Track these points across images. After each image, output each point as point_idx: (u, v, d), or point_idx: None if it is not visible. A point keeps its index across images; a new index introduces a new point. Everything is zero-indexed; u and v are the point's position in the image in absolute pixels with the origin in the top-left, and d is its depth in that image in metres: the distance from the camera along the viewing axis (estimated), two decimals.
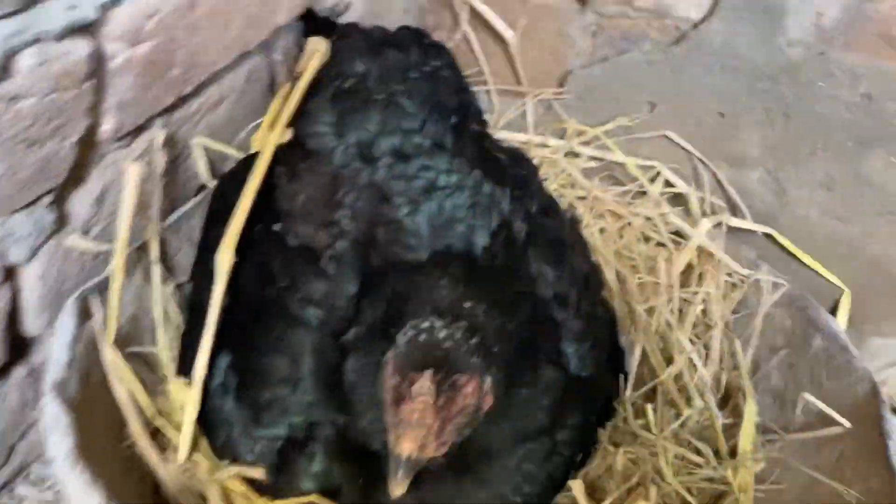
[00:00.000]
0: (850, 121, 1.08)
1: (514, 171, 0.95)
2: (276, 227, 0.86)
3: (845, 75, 1.06)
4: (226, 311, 0.80)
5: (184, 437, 0.79)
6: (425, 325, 0.67)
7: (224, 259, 0.80)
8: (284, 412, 0.78)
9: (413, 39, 0.97)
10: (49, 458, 0.67)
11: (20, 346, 0.90)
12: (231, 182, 0.91)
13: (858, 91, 1.06)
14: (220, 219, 0.85)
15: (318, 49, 0.93)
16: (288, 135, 0.93)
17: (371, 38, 0.97)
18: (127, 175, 0.86)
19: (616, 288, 1.07)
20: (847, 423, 0.85)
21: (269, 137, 0.90)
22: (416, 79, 0.92)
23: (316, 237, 0.84)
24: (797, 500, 0.85)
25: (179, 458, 0.78)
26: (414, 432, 0.64)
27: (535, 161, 1.16)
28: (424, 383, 0.64)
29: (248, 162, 0.90)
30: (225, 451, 0.79)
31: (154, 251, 0.95)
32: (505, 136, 1.20)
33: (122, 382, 0.80)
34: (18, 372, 0.90)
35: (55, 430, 0.69)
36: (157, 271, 0.94)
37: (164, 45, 0.89)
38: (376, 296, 0.78)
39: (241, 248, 0.83)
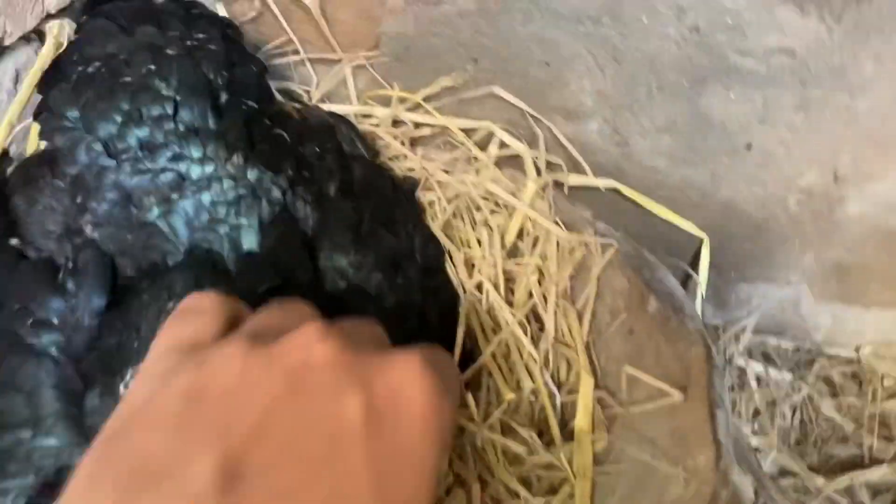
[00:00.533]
0: (682, 57, 1.00)
1: (304, 148, 0.84)
2: (13, 241, 0.74)
3: (670, 10, 0.97)
4: None
5: None
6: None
7: None
8: (29, 458, 0.67)
9: (176, 11, 0.85)
10: None
11: None
12: None
13: (685, 24, 0.98)
14: None
15: (52, 33, 0.81)
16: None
17: (127, 15, 0.84)
18: None
19: (449, 267, 0.98)
20: (677, 394, 0.77)
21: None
22: (173, 56, 0.80)
23: (57, 250, 0.73)
24: (635, 480, 0.78)
25: None
26: None
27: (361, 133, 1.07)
28: None
29: None
30: None
31: None
32: (326, 109, 1.09)
33: None
34: None
35: None
36: None
37: None
38: (116, 314, 0.67)
39: None
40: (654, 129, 1.06)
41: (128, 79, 0.78)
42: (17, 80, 0.98)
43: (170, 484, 0.39)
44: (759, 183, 1.09)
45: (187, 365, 0.46)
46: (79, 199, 0.74)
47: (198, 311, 0.52)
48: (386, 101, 1.12)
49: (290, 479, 0.40)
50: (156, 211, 0.73)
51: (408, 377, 0.44)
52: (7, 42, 0.95)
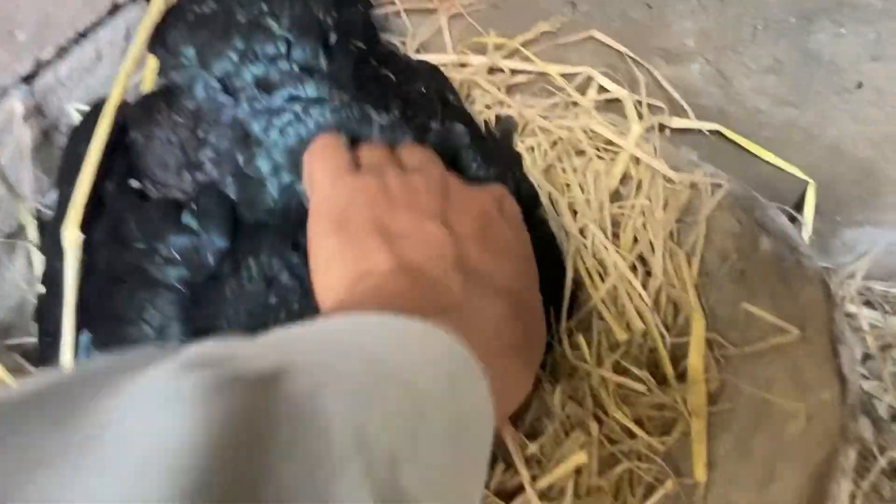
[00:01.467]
0: None
1: (407, 88, 0.85)
2: (133, 182, 0.77)
3: None
4: (81, 284, 0.72)
5: None
6: None
7: (70, 235, 0.71)
8: None
9: None
10: None
11: None
12: (82, 134, 0.81)
13: None
14: (70, 179, 0.76)
15: None
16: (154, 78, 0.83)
17: None
18: None
19: (550, 211, 0.98)
20: (794, 330, 0.76)
21: (118, 78, 0.80)
22: None
23: (176, 184, 0.75)
24: (751, 418, 0.77)
25: None
26: None
27: (457, 82, 1.07)
28: None
29: (100, 109, 0.80)
30: None
31: (31, 234, 0.87)
32: (427, 58, 1.10)
33: None
34: None
35: None
36: (37, 255, 0.87)
37: None
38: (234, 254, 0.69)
39: (95, 209, 0.74)
40: (759, 69, 1.03)
41: (241, 18, 0.80)
42: (127, 37, 1.01)
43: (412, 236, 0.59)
44: (869, 123, 1.05)
45: (364, 176, 0.64)
46: (199, 133, 0.76)
47: (335, 146, 0.67)
48: (482, 50, 1.12)
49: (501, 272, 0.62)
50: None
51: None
52: (119, 1, 0.98)
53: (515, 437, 0.77)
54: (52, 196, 0.89)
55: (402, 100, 0.81)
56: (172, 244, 0.71)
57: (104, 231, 0.74)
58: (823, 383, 0.70)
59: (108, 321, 0.71)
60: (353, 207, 0.60)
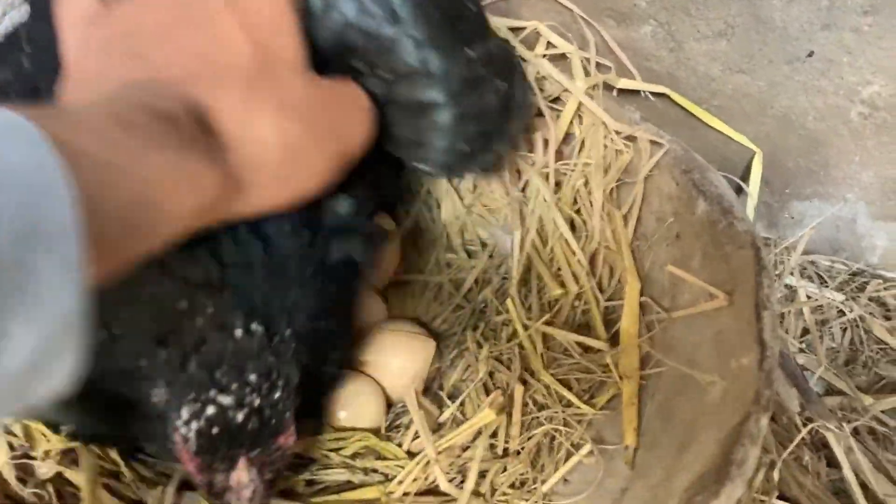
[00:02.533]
0: None
1: None
2: None
3: None
4: None
5: None
6: (210, 410, 0.55)
7: None
8: None
9: None
10: None
11: None
12: None
13: None
14: None
15: None
16: None
17: None
18: None
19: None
20: (721, 295, 0.75)
21: None
22: None
23: None
24: (676, 382, 0.76)
25: None
26: None
27: None
28: (244, 476, 0.57)
29: None
30: None
31: None
32: None
33: None
34: None
35: None
36: None
37: None
38: None
39: None
40: (711, 34, 1.01)
41: None
42: None
43: None
44: (819, 93, 1.03)
45: None
46: None
47: None
48: None
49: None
50: None
51: None
52: None
53: (425, 406, 0.76)
54: None
55: None
56: None
57: None
58: (744, 348, 0.69)
59: None
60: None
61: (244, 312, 0.58)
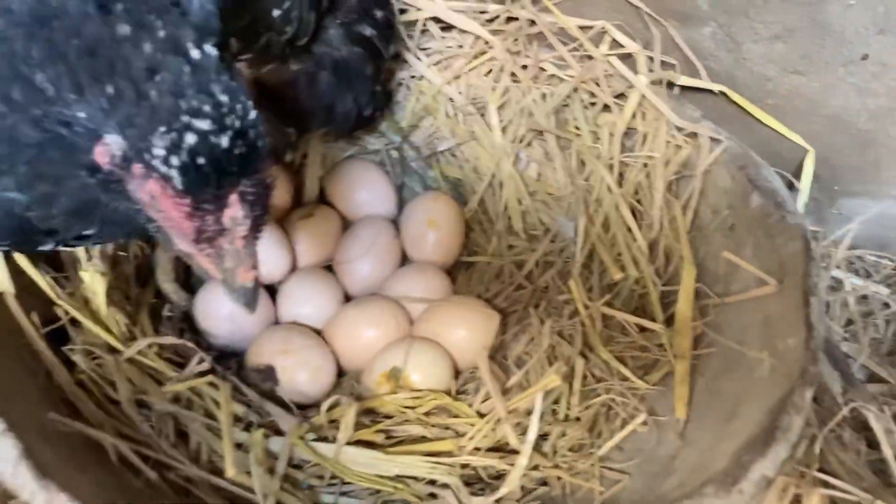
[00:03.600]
0: None
1: None
2: None
3: None
4: None
5: None
6: (190, 139, 0.48)
7: None
8: None
9: None
10: None
11: None
12: None
13: None
14: None
15: None
16: None
17: None
18: None
19: (560, 159, 1.03)
20: (772, 282, 0.81)
21: None
22: None
23: None
24: (725, 361, 0.82)
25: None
26: (248, 260, 0.54)
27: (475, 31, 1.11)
28: (238, 211, 0.51)
29: None
30: None
31: None
32: (443, 4, 1.13)
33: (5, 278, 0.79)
34: None
35: None
36: None
37: None
38: None
39: None
40: (769, 36, 1.06)
41: None
42: None
43: None
44: (871, 95, 1.08)
45: None
46: None
47: None
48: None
49: None
50: None
51: None
52: None
53: (494, 371, 0.83)
54: None
55: None
56: None
57: None
58: (792, 330, 0.75)
59: None
60: None
61: (196, 31, 0.51)
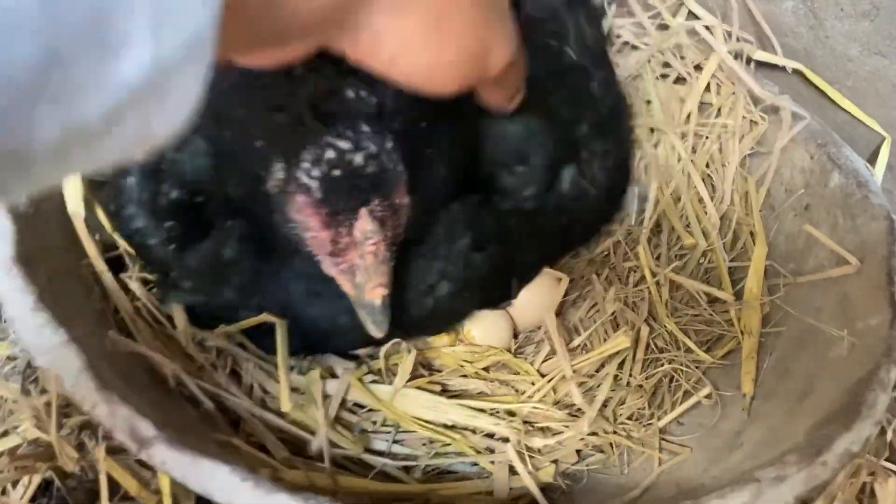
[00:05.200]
0: None
1: None
2: None
3: None
4: None
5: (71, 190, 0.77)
6: (329, 154, 0.55)
7: None
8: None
9: None
10: None
11: None
12: None
13: None
14: None
15: None
16: None
17: None
18: None
19: None
20: (854, 261, 0.78)
21: None
22: None
23: None
24: (796, 341, 0.80)
25: (70, 208, 0.76)
26: (376, 277, 0.59)
27: None
28: (367, 225, 0.57)
29: None
30: None
31: None
32: None
33: (77, 200, 0.78)
34: None
35: None
36: None
37: None
38: None
39: None
40: (855, 14, 1.02)
41: None
42: None
43: None
44: None
45: None
46: None
47: None
48: None
49: None
50: None
51: None
52: None
53: (560, 327, 0.81)
54: None
55: None
56: None
57: None
58: (874, 310, 0.72)
59: None
60: None
61: (357, 79, 0.57)
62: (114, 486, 0.69)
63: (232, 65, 0.43)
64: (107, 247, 0.81)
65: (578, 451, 0.75)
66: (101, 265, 0.77)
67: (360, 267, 0.59)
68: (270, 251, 0.69)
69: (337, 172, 0.55)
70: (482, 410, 0.73)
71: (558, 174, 0.72)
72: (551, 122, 0.71)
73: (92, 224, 0.80)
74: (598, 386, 0.77)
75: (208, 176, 0.69)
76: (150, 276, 0.79)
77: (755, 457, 0.66)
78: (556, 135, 0.72)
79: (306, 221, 0.58)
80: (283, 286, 0.70)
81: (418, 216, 0.62)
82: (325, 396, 0.73)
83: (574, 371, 0.75)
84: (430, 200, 0.63)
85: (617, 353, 0.77)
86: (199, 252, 0.70)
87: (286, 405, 0.67)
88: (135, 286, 0.77)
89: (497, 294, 0.76)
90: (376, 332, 0.62)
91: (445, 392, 0.77)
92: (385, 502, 0.67)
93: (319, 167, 0.55)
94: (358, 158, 0.55)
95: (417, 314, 0.69)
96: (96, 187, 0.83)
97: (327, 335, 0.72)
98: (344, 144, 0.55)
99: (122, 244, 0.80)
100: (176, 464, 0.53)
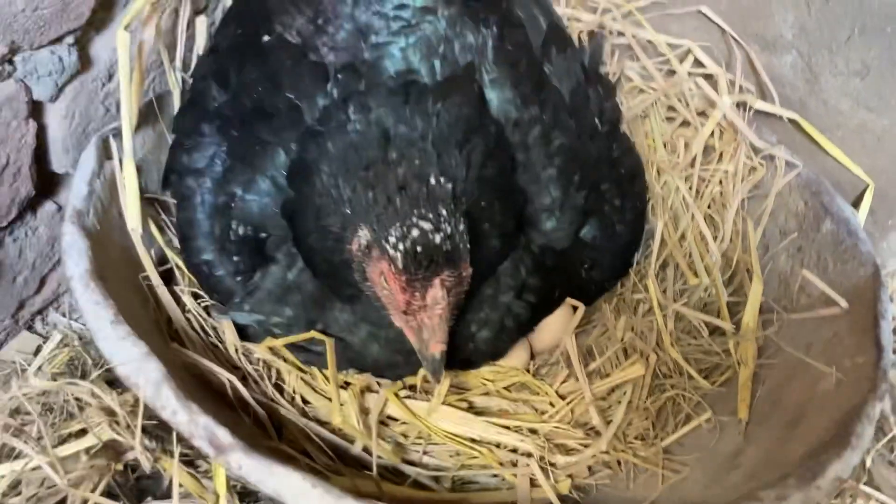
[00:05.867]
0: (891, 3, 1.04)
1: (510, 5, 0.92)
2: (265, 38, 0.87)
3: None
4: (227, 109, 0.84)
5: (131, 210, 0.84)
6: (415, 232, 0.66)
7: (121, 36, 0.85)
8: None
9: None
10: (68, 278, 0.72)
11: (49, 183, 0.94)
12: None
13: None
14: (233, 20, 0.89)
15: None
16: None
17: None
18: (118, 41, 0.87)
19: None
20: (844, 304, 0.85)
21: None
22: None
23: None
24: (786, 375, 0.87)
25: (130, 225, 0.84)
26: (438, 335, 0.70)
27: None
28: (438, 293, 0.68)
29: None
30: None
31: (175, 101, 0.98)
32: None
33: (136, 218, 0.84)
34: (47, 207, 0.94)
35: (72, 253, 0.73)
36: None
37: None
38: None
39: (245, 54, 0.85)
40: (848, 72, 1.11)
41: None
42: None
43: None
44: None
45: None
46: (319, 21, 0.85)
47: None
48: (593, 9, 1.21)
49: None
50: (382, 42, 0.84)
51: None
52: None
53: (577, 351, 0.88)
54: None
55: (502, 15, 0.88)
56: (315, 107, 0.81)
57: (258, 71, 0.84)
58: (860, 350, 0.80)
59: (245, 142, 0.81)
60: None
61: (440, 169, 0.70)
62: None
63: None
64: (159, 260, 0.87)
65: (589, 467, 0.82)
66: (156, 278, 0.83)
67: (427, 326, 0.70)
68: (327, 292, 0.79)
69: (419, 248, 0.66)
70: (507, 427, 0.80)
71: (585, 223, 0.84)
72: (581, 176, 0.83)
73: (145, 241, 0.86)
74: (610, 408, 0.84)
75: (272, 216, 0.79)
76: (199, 291, 0.86)
77: (754, 478, 0.73)
78: (584, 189, 0.83)
79: (387, 285, 0.69)
80: (341, 322, 0.80)
81: (474, 282, 0.73)
82: (364, 410, 0.80)
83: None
84: (485, 268, 0.75)
85: (631, 379, 0.85)
86: (266, 277, 0.78)
87: (337, 419, 0.73)
88: (188, 300, 0.83)
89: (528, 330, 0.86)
90: (434, 378, 0.74)
91: (471, 409, 0.84)
92: None
93: (404, 243, 0.66)
94: (437, 238, 0.66)
95: (462, 356, 0.79)
96: (148, 204, 0.90)
97: (382, 368, 0.82)
98: (426, 225, 0.66)
99: (175, 260, 0.86)
100: (252, 469, 0.60)
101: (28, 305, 0.98)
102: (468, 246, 0.69)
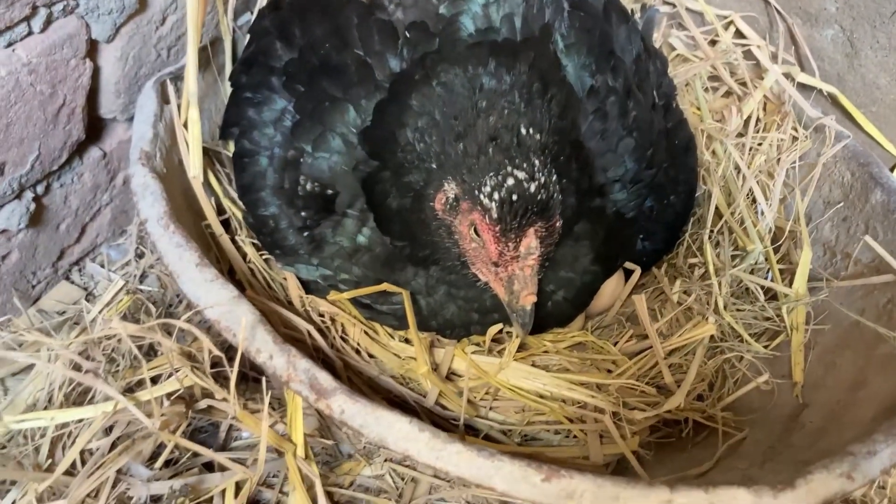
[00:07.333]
0: None
1: None
2: None
3: None
4: (294, 66, 0.82)
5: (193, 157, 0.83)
6: (510, 182, 0.66)
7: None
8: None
9: None
10: (143, 220, 0.70)
11: (96, 127, 0.91)
12: None
13: None
14: None
15: None
16: None
17: None
18: None
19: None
20: None
21: None
22: None
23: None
24: (838, 340, 0.88)
25: (192, 173, 0.82)
26: (530, 286, 0.70)
27: None
28: (532, 242, 0.68)
29: None
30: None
31: (227, 49, 0.95)
32: None
33: (199, 165, 0.82)
34: (93, 154, 0.92)
35: (146, 195, 0.71)
36: (228, 67, 0.95)
37: None
38: None
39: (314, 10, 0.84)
40: (889, 47, 1.12)
41: None
42: None
43: None
44: None
45: None
46: None
47: None
48: None
49: None
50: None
51: None
52: None
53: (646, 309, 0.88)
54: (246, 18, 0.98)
55: None
56: (386, 65, 0.79)
57: (324, 28, 0.82)
58: None
59: (314, 98, 0.80)
60: None
61: (528, 119, 0.70)
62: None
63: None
64: (219, 210, 0.85)
65: (651, 427, 0.83)
66: (219, 228, 0.81)
67: (518, 277, 0.70)
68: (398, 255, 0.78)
69: (514, 197, 0.66)
70: (575, 384, 0.80)
71: (648, 195, 0.84)
72: (653, 151, 0.83)
73: (205, 189, 0.84)
74: (671, 367, 0.84)
75: (342, 174, 0.78)
76: (257, 242, 0.84)
77: (823, 437, 0.74)
78: (654, 163, 0.85)
79: (478, 237, 0.69)
80: (413, 284, 0.80)
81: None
82: (434, 365, 0.79)
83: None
84: (563, 226, 0.74)
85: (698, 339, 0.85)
86: (336, 234, 0.77)
87: (423, 367, 0.73)
88: (249, 250, 0.82)
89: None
90: (523, 331, 0.73)
91: (535, 367, 0.84)
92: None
93: (500, 192, 0.66)
94: (532, 187, 0.66)
95: (539, 315, 0.77)
96: (211, 154, 0.88)
97: (454, 327, 0.82)
98: (521, 175, 0.66)
99: (234, 211, 0.85)
100: (355, 413, 0.59)
101: (67, 255, 0.95)
102: (560, 196, 0.69)
